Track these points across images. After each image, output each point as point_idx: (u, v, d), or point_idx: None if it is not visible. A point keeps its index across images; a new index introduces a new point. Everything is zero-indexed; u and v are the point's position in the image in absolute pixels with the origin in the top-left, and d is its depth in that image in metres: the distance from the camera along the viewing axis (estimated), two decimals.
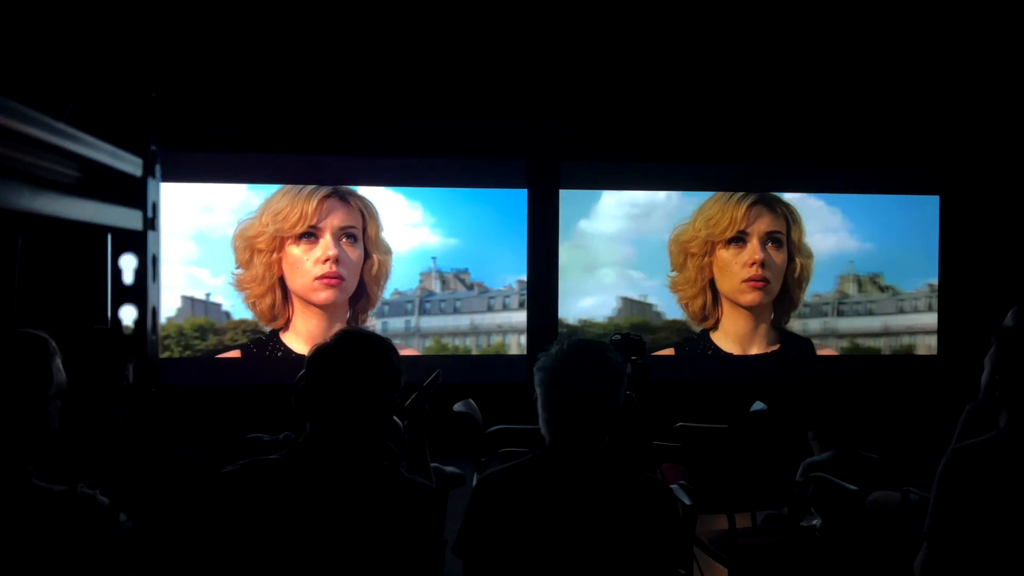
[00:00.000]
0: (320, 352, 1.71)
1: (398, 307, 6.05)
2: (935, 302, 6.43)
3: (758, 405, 4.03)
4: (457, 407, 4.02)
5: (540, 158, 6.07)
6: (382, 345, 1.73)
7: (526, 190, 6.09)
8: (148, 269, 0.75)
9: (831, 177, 6.36)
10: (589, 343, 1.91)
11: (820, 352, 6.43)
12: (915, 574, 1.95)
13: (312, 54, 5.66)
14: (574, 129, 6.05)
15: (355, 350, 1.70)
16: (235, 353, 5.86)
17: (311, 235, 5.80)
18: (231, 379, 5.80)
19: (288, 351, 5.83)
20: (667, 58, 5.91)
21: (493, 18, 5.52)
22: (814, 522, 3.47)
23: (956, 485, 1.89)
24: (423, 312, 6.07)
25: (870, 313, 6.47)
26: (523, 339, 6.10)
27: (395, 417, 2.48)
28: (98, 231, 0.73)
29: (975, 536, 1.87)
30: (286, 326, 5.86)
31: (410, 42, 5.62)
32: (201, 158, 5.80)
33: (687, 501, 3.25)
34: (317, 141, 5.87)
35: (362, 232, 5.89)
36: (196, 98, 5.55)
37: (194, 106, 5.56)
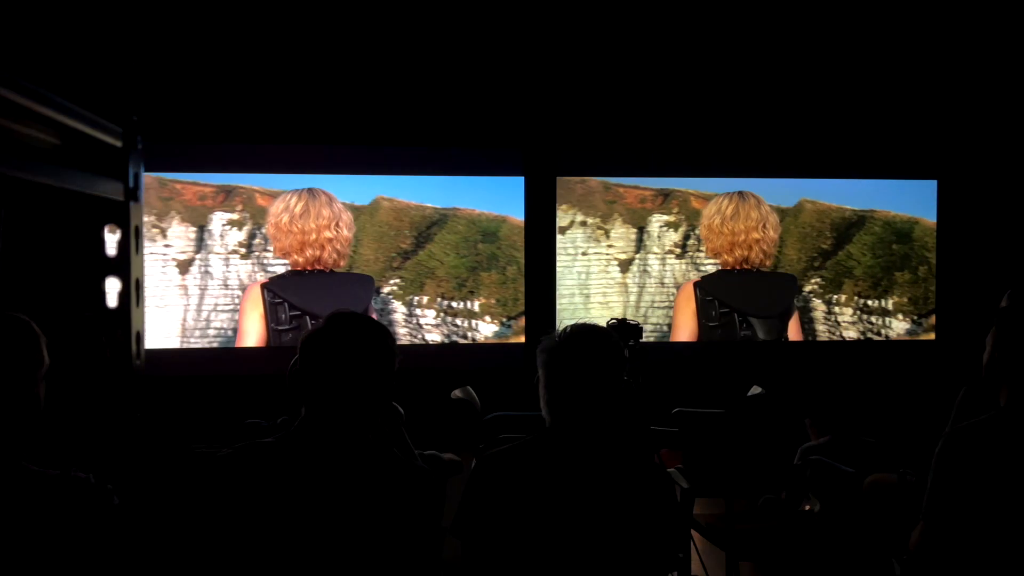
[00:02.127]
0: (312, 335, 1.71)
1: None
2: None
3: (755, 390, 4.02)
4: (455, 394, 4.02)
5: (536, 146, 6.05)
6: (374, 327, 1.73)
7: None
8: (131, 240, 0.74)
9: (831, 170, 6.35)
10: (589, 327, 1.94)
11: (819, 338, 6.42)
12: (910, 547, 1.96)
13: (307, 46, 5.63)
14: (571, 116, 6.03)
15: (347, 332, 1.69)
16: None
17: None
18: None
19: None
20: (665, 50, 5.88)
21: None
22: (812, 506, 3.48)
23: (953, 465, 1.90)
24: None
25: None
26: None
27: (398, 407, 2.48)
28: (81, 202, 0.73)
29: (972, 515, 1.88)
30: None
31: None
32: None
33: (684, 485, 3.26)
34: (318, 131, 5.85)
35: None
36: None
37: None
